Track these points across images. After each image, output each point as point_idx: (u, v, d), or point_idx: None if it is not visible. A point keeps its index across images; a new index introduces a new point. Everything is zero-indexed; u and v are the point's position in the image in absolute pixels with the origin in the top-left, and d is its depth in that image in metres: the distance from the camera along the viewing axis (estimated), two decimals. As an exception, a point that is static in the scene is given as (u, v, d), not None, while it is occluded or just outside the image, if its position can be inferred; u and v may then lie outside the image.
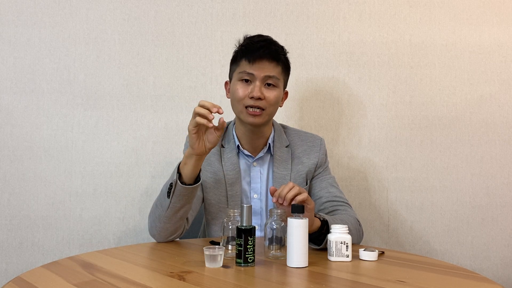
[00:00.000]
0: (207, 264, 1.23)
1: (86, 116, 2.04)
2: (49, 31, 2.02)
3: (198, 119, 1.39)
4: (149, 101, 2.08)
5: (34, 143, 2.00)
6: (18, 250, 1.98)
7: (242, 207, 1.25)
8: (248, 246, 1.23)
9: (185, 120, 2.09)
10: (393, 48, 2.19)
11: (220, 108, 1.38)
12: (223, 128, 1.46)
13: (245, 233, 1.23)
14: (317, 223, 1.37)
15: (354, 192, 2.16)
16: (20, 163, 1.99)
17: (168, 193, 1.46)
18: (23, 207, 1.99)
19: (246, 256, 1.23)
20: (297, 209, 1.25)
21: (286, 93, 1.72)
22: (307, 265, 1.25)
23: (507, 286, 2.17)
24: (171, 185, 1.45)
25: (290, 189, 1.31)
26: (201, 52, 2.10)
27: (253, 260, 1.24)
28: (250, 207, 1.26)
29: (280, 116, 2.11)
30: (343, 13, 2.18)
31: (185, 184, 1.45)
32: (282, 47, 1.64)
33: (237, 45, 1.65)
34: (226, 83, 1.70)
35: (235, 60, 1.64)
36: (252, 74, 1.57)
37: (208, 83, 2.09)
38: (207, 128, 1.43)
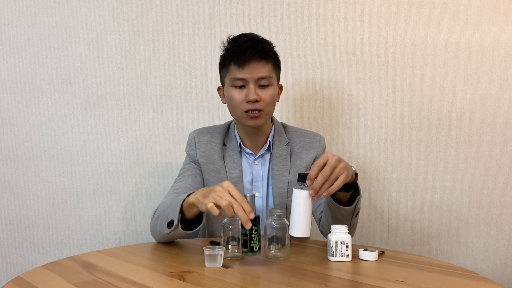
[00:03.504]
0: (207, 264, 1.23)
1: (86, 116, 2.04)
2: (49, 31, 2.02)
3: (228, 210, 1.21)
4: (149, 101, 2.08)
5: (34, 143, 2.01)
6: (18, 250, 1.98)
7: (245, 196, 1.26)
8: (253, 235, 1.25)
9: (185, 120, 2.10)
10: (393, 48, 2.19)
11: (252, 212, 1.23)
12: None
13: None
14: (353, 174, 1.36)
15: (354, 192, 2.16)
16: (20, 163, 1.99)
17: (168, 224, 1.39)
18: (23, 207, 1.99)
19: (252, 245, 1.25)
20: (303, 178, 1.26)
21: (280, 87, 1.71)
22: (309, 235, 1.26)
23: (507, 286, 2.17)
24: (171, 221, 1.37)
25: (325, 181, 1.27)
26: (201, 52, 2.11)
27: (259, 249, 1.27)
28: (253, 197, 1.27)
29: (281, 116, 2.12)
30: (343, 13, 2.18)
31: (185, 226, 1.39)
32: (268, 42, 1.62)
33: (222, 48, 1.63)
34: (218, 88, 1.69)
35: (224, 64, 1.63)
36: (244, 79, 1.56)
37: (208, 83, 2.09)
38: None
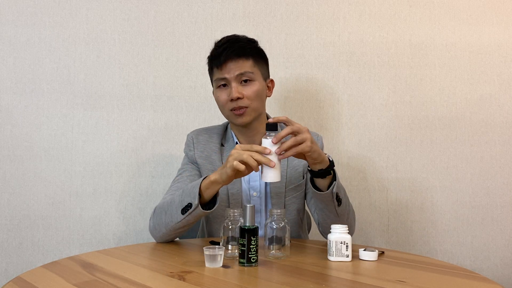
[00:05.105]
0: (207, 264, 1.23)
1: (86, 116, 2.04)
2: (49, 31, 2.02)
3: (251, 161, 1.31)
4: (149, 101, 2.08)
5: (34, 143, 2.01)
6: (18, 250, 1.98)
7: (245, 207, 1.25)
8: (251, 246, 1.23)
9: (185, 120, 2.10)
10: (393, 48, 2.19)
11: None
12: None
13: (248, 233, 1.23)
14: (326, 160, 1.42)
15: (354, 192, 2.16)
16: (20, 163, 1.99)
17: (183, 210, 1.43)
18: (23, 207, 1.99)
19: (249, 256, 1.23)
20: (271, 127, 1.32)
21: (271, 82, 1.70)
22: (279, 180, 1.32)
23: (507, 286, 2.17)
24: (189, 205, 1.42)
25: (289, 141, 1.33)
26: (201, 52, 2.10)
27: (256, 260, 1.24)
28: (253, 207, 1.26)
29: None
30: (343, 13, 2.18)
31: (204, 207, 1.43)
32: (249, 41, 1.63)
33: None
34: (213, 92, 1.70)
35: (209, 69, 1.67)
36: (225, 78, 1.58)
37: (208, 83, 2.08)
38: None
